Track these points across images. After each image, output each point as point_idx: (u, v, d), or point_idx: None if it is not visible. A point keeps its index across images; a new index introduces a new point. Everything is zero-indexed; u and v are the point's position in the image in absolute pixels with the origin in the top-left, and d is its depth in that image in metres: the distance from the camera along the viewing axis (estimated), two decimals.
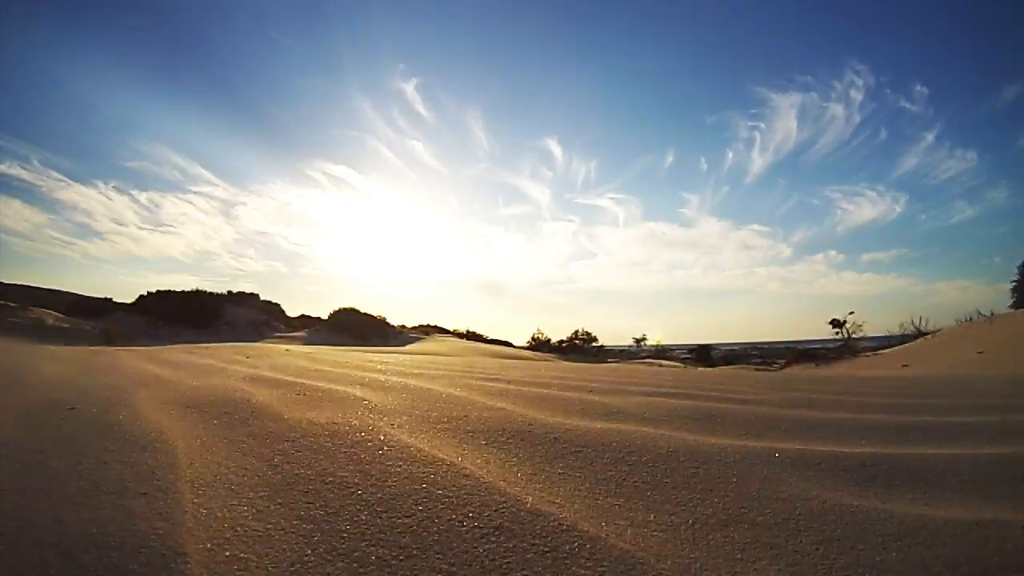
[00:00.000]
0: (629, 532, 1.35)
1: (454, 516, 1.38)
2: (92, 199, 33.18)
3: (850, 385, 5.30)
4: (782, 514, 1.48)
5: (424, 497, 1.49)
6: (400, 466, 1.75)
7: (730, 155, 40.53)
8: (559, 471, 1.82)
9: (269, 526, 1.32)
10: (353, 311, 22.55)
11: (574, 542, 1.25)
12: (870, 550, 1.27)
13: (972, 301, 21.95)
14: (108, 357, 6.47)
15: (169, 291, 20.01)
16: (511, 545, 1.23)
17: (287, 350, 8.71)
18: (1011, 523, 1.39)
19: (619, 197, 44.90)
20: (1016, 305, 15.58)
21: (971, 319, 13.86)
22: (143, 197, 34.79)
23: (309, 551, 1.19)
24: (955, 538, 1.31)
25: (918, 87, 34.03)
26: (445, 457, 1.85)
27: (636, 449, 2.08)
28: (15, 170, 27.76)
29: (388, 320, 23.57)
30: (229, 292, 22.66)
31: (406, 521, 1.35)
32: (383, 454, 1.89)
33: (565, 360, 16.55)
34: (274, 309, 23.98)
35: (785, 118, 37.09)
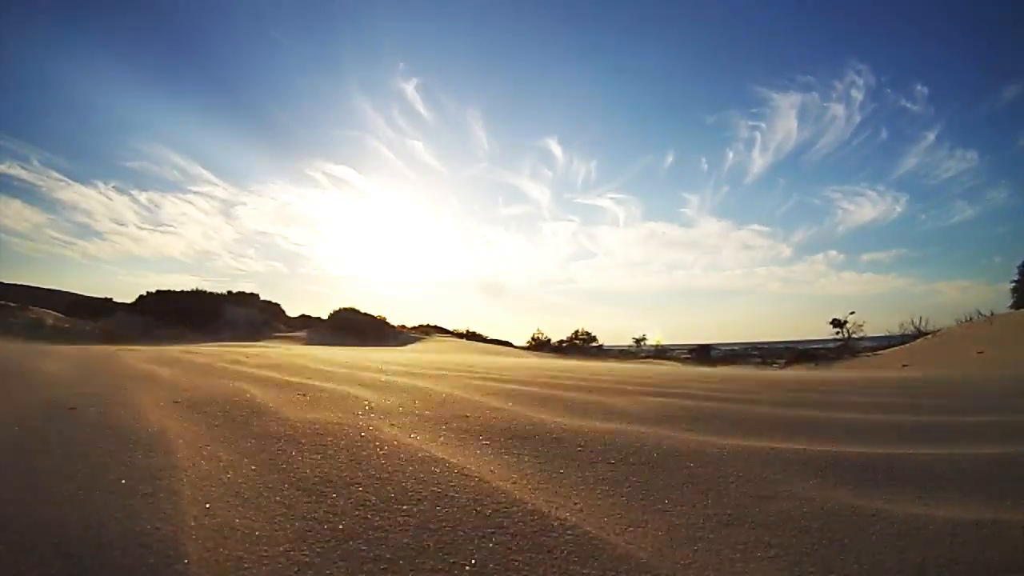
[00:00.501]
0: (629, 532, 1.35)
1: (454, 516, 1.38)
2: (92, 199, 33.15)
3: (850, 385, 5.30)
4: (782, 514, 1.48)
5: (424, 497, 1.50)
6: (400, 466, 1.75)
7: (730, 155, 40.52)
8: (559, 471, 1.82)
9: (269, 526, 1.32)
10: (353, 311, 22.60)
11: (575, 542, 1.25)
12: (870, 550, 1.27)
13: (972, 301, 21.95)
14: (108, 357, 6.47)
15: (169, 291, 20.07)
16: (512, 545, 1.24)
17: (287, 350, 8.71)
18: (1011, 523, 1.39)
19: (619, 197, 44.91)
20: (1016, 305, 15.61)
21: (971, 319, 13.89)
22: (143, 197, 34.78)
23: (309, 551, 1.19)
24: (955, 538, 1.31)
25: (918, 87, 34.03)
26: (445, 457, 1.85)
27: (636, 449, 2.08)
28: (15, 170, 27.73)
29: (388, 320, 23.64)
30: (229, 292, 22.72)
31: (406, 521, 1.35)
32: (383, 454, 1.89)
33: (565, 360, 16.56)
34: (274, 309, 24.03)
35: (785, 118, 37.09)
